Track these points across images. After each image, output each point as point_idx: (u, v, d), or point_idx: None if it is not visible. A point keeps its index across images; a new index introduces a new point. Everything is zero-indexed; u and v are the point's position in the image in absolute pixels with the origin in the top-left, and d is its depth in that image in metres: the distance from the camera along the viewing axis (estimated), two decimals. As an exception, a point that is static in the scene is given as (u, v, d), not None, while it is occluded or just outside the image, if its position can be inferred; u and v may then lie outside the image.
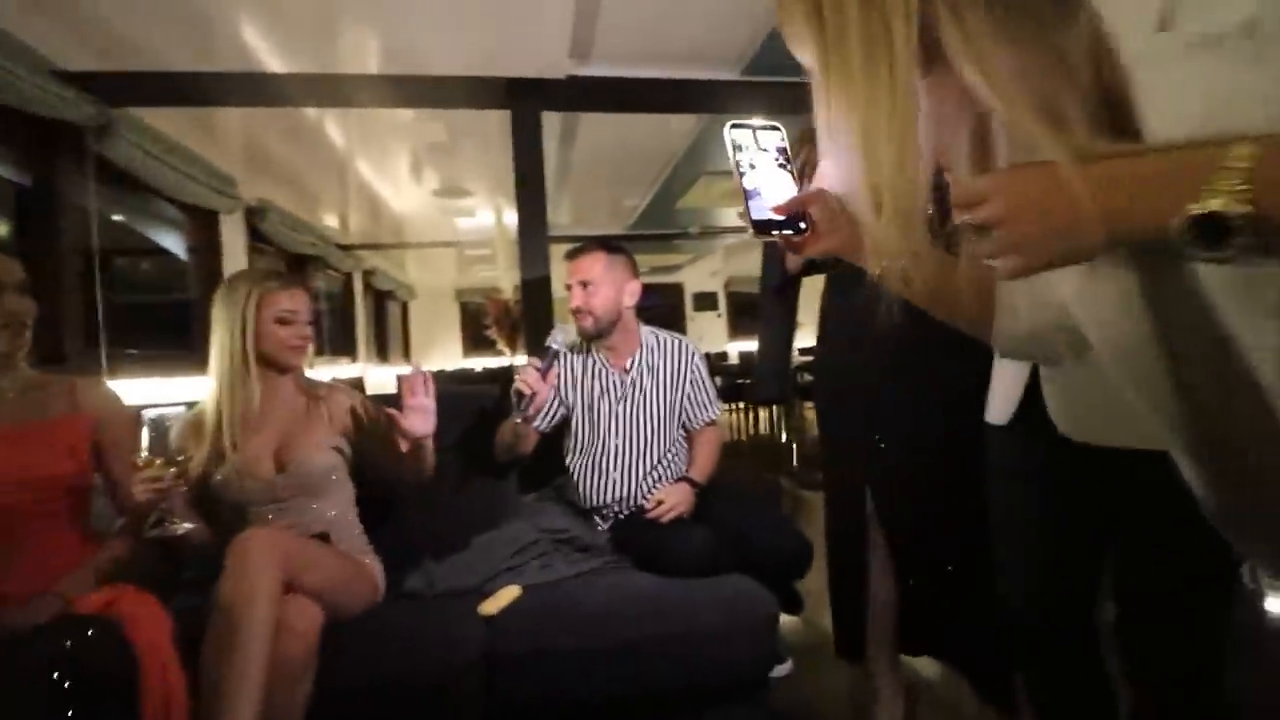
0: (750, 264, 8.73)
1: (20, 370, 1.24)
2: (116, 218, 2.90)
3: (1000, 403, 0.94)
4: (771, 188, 0.74)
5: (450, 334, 8.43)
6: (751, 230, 0.74)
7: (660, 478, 1.76)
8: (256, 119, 3.12)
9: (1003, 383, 0.94)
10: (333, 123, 3.37)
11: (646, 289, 1.90)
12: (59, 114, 1.92)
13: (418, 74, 2.45)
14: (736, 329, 9.39)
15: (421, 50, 2.36)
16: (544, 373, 1.57)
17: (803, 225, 0.74)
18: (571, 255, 1.79)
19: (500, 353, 6.47)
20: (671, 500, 1.64)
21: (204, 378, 1.46)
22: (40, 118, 1.90)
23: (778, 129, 0.77)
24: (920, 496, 1.40)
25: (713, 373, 1.90)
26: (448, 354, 8.23)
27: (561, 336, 1.68)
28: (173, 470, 1.16)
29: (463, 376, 6.37)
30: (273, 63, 2.33)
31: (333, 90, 2.54)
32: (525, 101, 2.43)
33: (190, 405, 1.47)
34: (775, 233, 0.74)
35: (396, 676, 1.27)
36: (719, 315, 9.45)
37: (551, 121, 3.21)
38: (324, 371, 4.36)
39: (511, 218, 5.39)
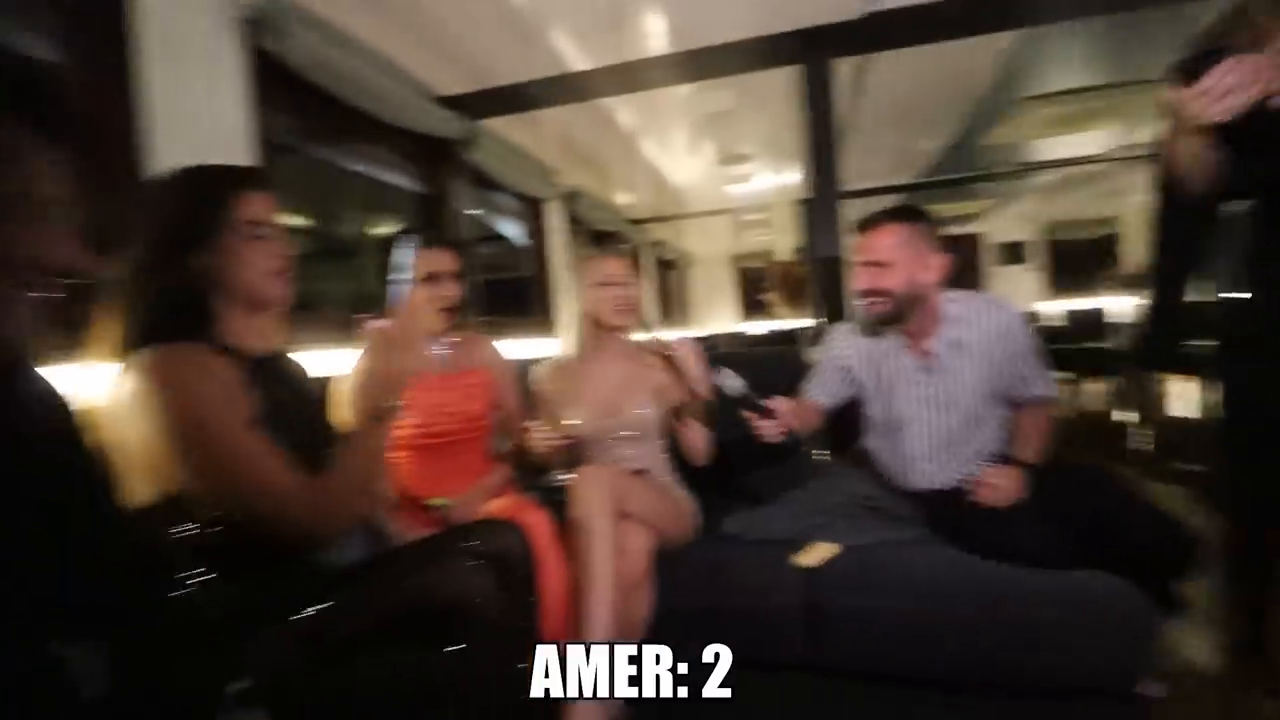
0: (1073, 206, 7.27)
1: (447, 332, 1.62)
2: (470, 211, 3.58)
3: None
4: None
5: (726, 298, 8.70)
6: None
7: (977, 460, 1.55)
8: (567, 114, 3.55)
9: None
10: (624, 107, 3.66)
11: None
12: (441, 132, 2.42)
13: (708, 45, 2.51)
14: (1057, 285, 7.91)
15: (709, 21, 2.41)
16: (767, 413, 1.47)
17: None
18: (863, 227, 1.54)
19: (772, 316, 6.66)
20: (1001, 486, 1.45)
21: (539, 339, 1.76)
22: (427, 136, 2.41)
23: None
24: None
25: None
26: (724, 317, 8.52)
27: (730, 380, 1.49)
28: (559, 433, 1.49)
29: (739, 339, 6.57)
30: (579, 62, 2.61)
31: (631, 77, 2.74)
32: (818, 51, 2.33)
33: (537, 361, 1.79)
34: None
35: (725, 606, 1.41)
36: (1027, 269, 8.09)
37: (839, 70, 3.03)
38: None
39: (788, 179, 5.31)
